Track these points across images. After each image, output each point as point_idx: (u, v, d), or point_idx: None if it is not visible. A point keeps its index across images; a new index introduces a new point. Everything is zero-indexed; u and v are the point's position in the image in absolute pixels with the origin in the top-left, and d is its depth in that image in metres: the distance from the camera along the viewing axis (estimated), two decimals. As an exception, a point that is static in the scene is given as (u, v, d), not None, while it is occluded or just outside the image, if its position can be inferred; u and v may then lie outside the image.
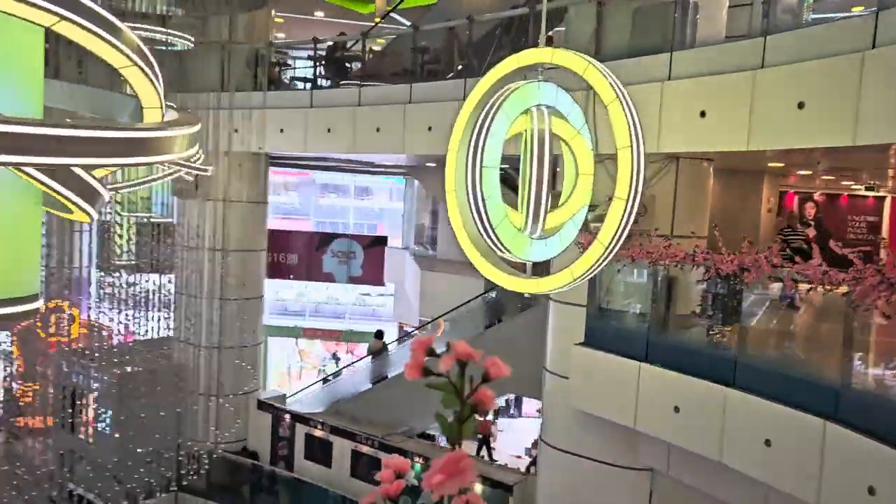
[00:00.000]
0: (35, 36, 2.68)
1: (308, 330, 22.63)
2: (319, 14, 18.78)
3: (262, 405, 15.12)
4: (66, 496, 13.11)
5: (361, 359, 17.42)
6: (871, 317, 6.02)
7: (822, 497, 6.00)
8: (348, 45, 14.11)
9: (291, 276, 21.38)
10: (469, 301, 13.79)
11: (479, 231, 5.91)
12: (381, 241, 21.52)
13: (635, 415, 8.05)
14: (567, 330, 9.37)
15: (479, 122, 5.71)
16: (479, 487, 11.59)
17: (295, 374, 22.50)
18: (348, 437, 13.60)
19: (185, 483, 12.88)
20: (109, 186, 10.29)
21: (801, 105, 6.47)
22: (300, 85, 15.09)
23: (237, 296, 14.51)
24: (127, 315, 13.19)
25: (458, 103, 5.40)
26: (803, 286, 6.73)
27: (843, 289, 6.13)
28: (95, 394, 14.61)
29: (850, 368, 6.34)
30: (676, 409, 7.59)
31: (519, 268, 6.31)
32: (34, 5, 2.33)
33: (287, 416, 14.78)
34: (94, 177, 2.93)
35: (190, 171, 11.03)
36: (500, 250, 5.86)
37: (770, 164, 10.42)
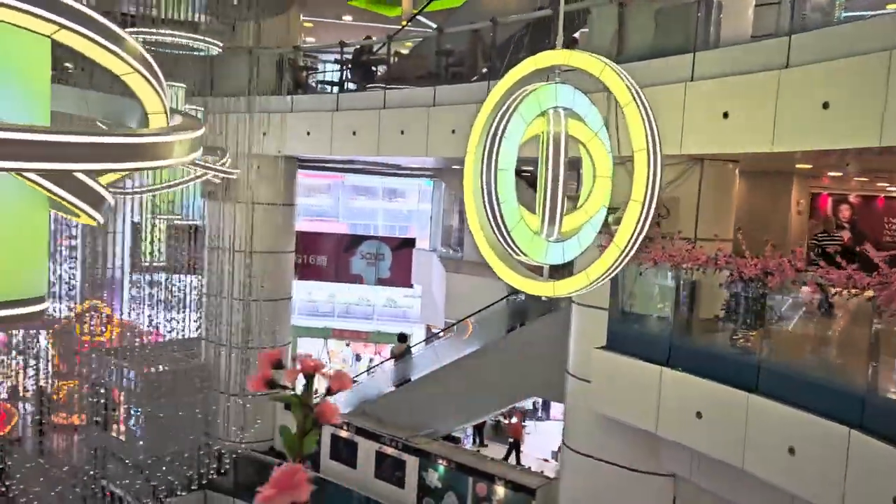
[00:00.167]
0: (42, 42, 2.74)
1: (336, 331, 22.79)
2: (347, 18, 18.93)
3: (289, 406, 15.24)
4: (98, 492, 13.39)
5: (384, 361, 17.49)
6: (897, 322, 5.86)
7: (845, 506, 5.87)
8: (374, 48, 14.19)
9: (320, 278, 21.59)
10: (494, 303, 13.76)
11: (494, 234, 5.90)
12: (410, 244, 21.60)
13: (657, 420, 7.95)
14: (589, 333, 9.29)
15: (494, 124, 5.70)
16: (501, 490, 11.56)
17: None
18: (373, 438, 13.66)
19: (204, 482, 13.05)
20: (137, 190, 10.53)
21: (825, 105, 6.33)
22: (327, 88, 15.23)
23: (265, 296, 14.69)
24: (157, 316, 13.45)
25: (481, 106, 5.42)
26: (841, 292, 6.55)
27: (869, 293, 5.99)
28: (126, 392, 14.91)
29: (877, 375, 6.18)
30: (699, 415, 7.48)
31: (537, 271, 6.28)
32: (33, 15, 2.39)
33: (313, 417, 14.88)
34: (98, 181, 2.99)
35: (218, 173, 11.24)
36: (516, 253, 5.84)
37: (798, 166, 10.21)
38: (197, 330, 14.77)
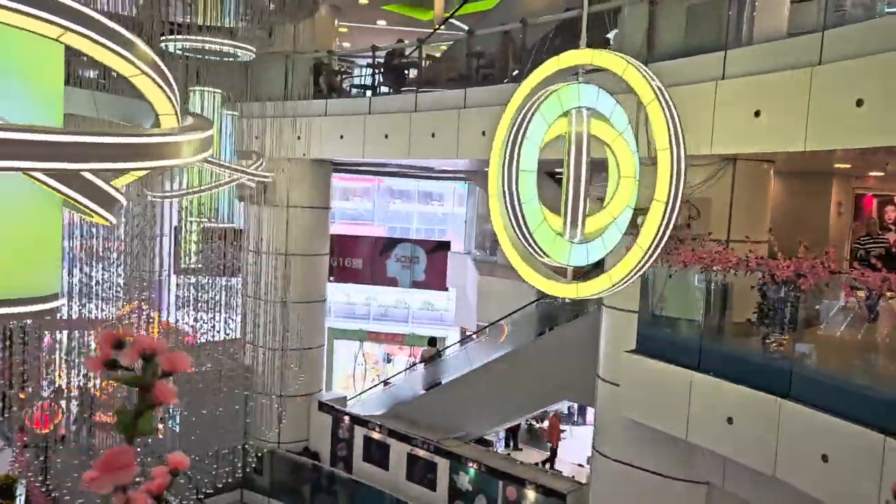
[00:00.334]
0: (55, 44, 2.80)
1: (372, 333, 22.93)
2: (382, 23, 19.06)
3: (323, 406, 15.40)
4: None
5: (413, 365, 17.51)
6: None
7: (880, 517, 5.67)
8: (405, 51, 14.27)
9: (356, 281, 21.74)
10: (524, 307, 13.69)
11: (515, 234, 5.87)
12: (444, 247, 21.61)
13: (687, 425, 7.79)
14: (619, 337, 9.17)
15: (516, 126, 5.68)
16: (531, 494, 11.47)
17: (359, 377, 22.84)
18: (404, 440, 13.69)
19: (239, 479, 13.23)
20: (173, 193, 10.75)
21: (859, 102, 6.14)
22: (361, 92, 15.36)
23: (300, 298, 14.85)
24: (197, 317, 13.72)
25: (509, 107, 5.43)
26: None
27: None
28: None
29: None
30: (729, 421, 7.31)
31: (563, 273, 6.22)
32: (38, 18, 2.45)
33: (346, 418, 15.01)
34: (110, 184, 3.05)
35: (252, 177, 11.41)
36: (539, 254, 5.79)
37: (837, 166, 9.92)
38: (233, 331, 15.00)
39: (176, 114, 3.23)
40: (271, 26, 14.28)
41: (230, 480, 12.97)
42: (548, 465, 15.97)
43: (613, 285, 5.74)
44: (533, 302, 13.51)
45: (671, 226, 5.40)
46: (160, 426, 15.58)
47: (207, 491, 12.85)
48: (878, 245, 10.22)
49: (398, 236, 22.92)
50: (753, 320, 7.71)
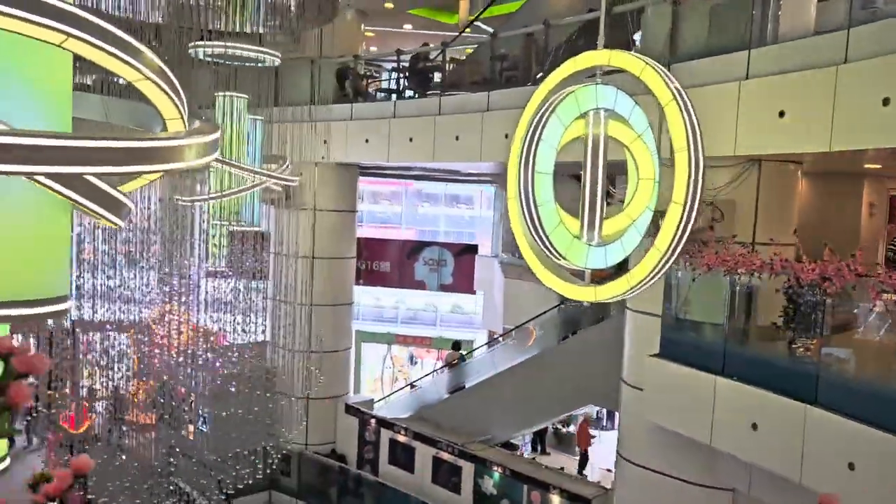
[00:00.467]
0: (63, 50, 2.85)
1: (400, 336, 22.98)
2: (408, 27, 19.13)
3: (350, 409, 15.48)
4: (169, 488, 13.90)
5: (437, 369, 17.49)
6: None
7: (908, 527, 5.51)
8: (430, 55, 14.30)
9: (384, 284, 21.83)
10: (548, 310, 13.61)
11: (532, 236, 5.83)
12: (472, 250, 21.58)
13: (711, 430, 7.67)
14: (643, 340, 9.07)
15: (532, 127, 5.64)
16: (556, 499, 11.38)
17: (387, 380, 22.90)
18: (430, 443, 13.70)
19: (266, 478, 13.35)
20: (197, 198, 10.89)
21: (885, 101, 5.99)
22: (386, 96, 15.43)
23: (326, 301, 14.95)
24: (225, 320, 13.92)
25: (530, 110, 5.39)
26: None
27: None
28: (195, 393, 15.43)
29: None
30: (754, 426, 7.18)
31: (580, 276, 6.16)
32: (37, 24, 2.50)
33: (372, 421, 15.06)
34: (115, 187, 3.10)
35: (278, 181, 11.52)
36: (555, 257, 5.74)
37: (867, 166, 9.69)
38: (261, 333, 15.17)
39: (182, 118, 3.27)
40: (297, 32, 14.43)
41: (251, 482, 13.09)
42: (574, 467, 15.83)
43: (632, 288, 5.65)
44: (556, 306, 13.42)
45: (689, 228, 5.31)
46: (190, 427, 15.82)
47: (229, 492, 12.98)
48: (912, 248, 9.95)
49: (426, 239, 22.96)
50: (779, 324, 7.56)
